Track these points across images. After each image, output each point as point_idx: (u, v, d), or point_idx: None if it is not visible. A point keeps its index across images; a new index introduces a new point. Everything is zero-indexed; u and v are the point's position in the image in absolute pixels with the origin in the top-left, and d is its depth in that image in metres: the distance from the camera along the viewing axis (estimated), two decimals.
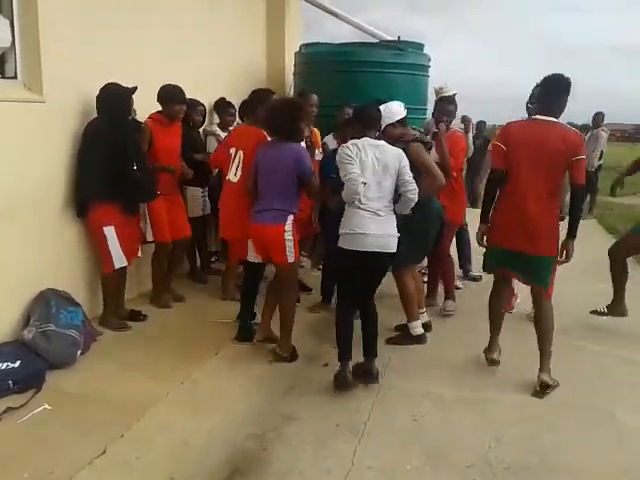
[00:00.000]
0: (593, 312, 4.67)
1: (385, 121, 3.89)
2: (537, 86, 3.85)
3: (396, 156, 3.55)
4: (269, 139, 3.99)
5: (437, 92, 5.85)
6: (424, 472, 2.82)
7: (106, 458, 2.82)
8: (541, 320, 3.64)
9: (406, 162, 3.57)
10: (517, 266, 3.62)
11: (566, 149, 3.35)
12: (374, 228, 3.47)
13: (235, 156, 4.17)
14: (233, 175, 4.18)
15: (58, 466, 2.74)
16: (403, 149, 3.72)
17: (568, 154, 3.35)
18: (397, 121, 4.00)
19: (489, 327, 3.87)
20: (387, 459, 2.90)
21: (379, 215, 3.49)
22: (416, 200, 3.54)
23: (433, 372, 3.84)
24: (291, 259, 3.80)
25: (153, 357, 3.95)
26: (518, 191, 3.48)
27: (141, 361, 3.89)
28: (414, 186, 3.53)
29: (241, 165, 4.14)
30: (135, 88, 4.22)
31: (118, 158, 4.12)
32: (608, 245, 4.62)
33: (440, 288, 5.22)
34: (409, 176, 3.53)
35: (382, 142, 3.60)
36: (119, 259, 4.29)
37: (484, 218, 3.71)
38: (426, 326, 4.43)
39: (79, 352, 3.79)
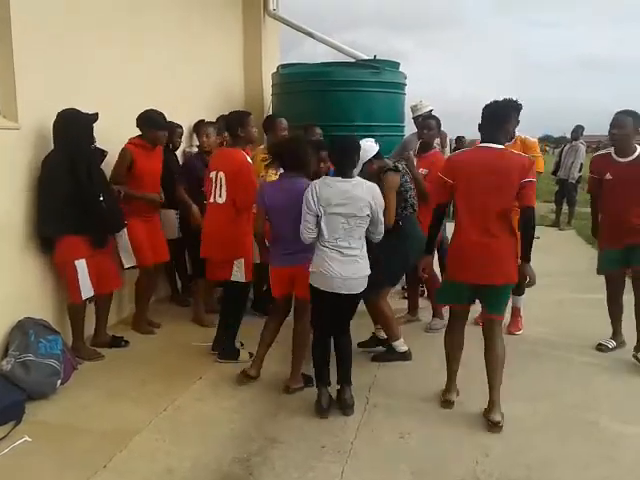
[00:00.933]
0: (600, 348, 4.48)
1: (363, 160, 3.89)
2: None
3: (369, 191, 3.45)
4: (250, 163, 4.12)
5: (413, 110, 5.96)
6: None
7: None
8: (494, 349, 3.41)
9: (378, 199, 3.46)
10: (474, 296, 3.50)
11: (515, 174, 3.25)
12: (339, 269, 3.40)
13: (216, 178, 4.17)
14: (218, 197, 4.17)
15: None
16: (379, 181, 3.80)
17: (517, 178, 3.25)
18: (373, 157, 4.05)
19: (446, 365, 3.69)
20: (375, 478, 2.88)
21: (345, 255, 3.41)
22: (377, 240, 3.54)
23: (419, 389, 3.83)
24: None
25: (135, 384, 3.90)
26: (468, 222, 3.37)
27: (123, 389, 3.83)
28: (381, 230, 3.51)
29: (225, 187, 4.13)
30: (96, 114, 4.11)
31: (82, 190, 4.01)
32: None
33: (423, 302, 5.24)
34: (380, 216, 3.47)
35: (355, 179, 3.49)
36: (87, 290, 4.20)
37: (430, 250, 3.67)
38: (405, 355, 4.33)
39: (59, 382, 3.72)
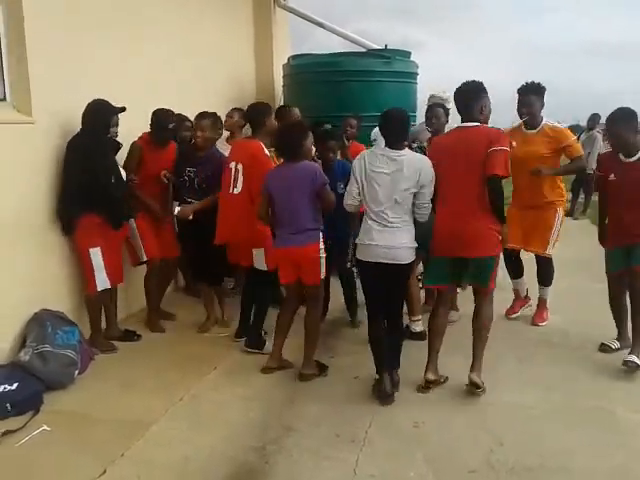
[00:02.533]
0: (604, 348, 4.27)
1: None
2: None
3: (418, 164, 3.46)
4: (267, 155, 4.14)
5: (430, 98, 5.90)
6: (427, 479, 2.80)
7: (106, 478, 2.80)
8: (480, 317, 3.63)
9: (425, 174, 3.45)
10: (459, 272, 3.64)
11: (485, 145, 3.36)
12: (380, 238, 3.46)
13: (235, 170, 4.22)
14: (235, 188, 4.23)
15: None
16: None
17: (483, 150, 3.36)
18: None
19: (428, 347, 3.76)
20: (389, 467, 2.89)
21: (387, 225, 3.46)
22: (423, 220, 3.54)
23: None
24: (322, 276, 3.80)
25: (152, 374, 3.94)
26: (445, 198, 3.51)
27: (140, 379, 3.87)
28: (426, 207, 3.50)
29: (241, 178, 4.19)
30: (123, 108, 4.20)
31: (96, 176, 4.07)
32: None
33: None
34: (426, 191, 3.46)
35: (403, 151, 3.50)
36: (102, 281, 4.24)
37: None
38: (420, 335, 4.36)
39: (76, 372, 3.77)
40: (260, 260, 4.26)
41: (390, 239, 3.45)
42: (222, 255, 4.42)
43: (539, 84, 4.54)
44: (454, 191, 3.49)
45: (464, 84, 3.61)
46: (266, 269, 4.24)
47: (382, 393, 3.53)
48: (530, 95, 4.49)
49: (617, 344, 4.24)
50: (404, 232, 3.48)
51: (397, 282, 3.64)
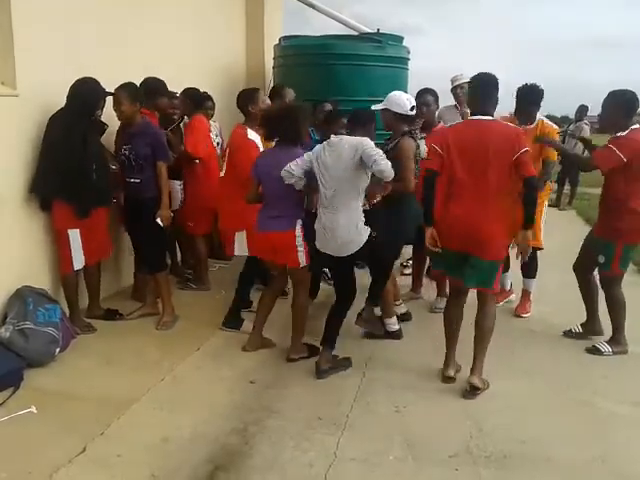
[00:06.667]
0: (567, 334, 4.38)
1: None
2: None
3: (352, 146, 3.48)
4: (250, 137, 4.18)
5: (452, 81, 5.87)
6: (407, 462, 2.83)
7: (86, 456, 2.79)
8: (483, 318, 3.50)
9: (365, 146, 3.45)
10: (463, 269, 3.49)
11: (513, 147, 3.27)
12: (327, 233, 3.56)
13: (225, 154, 4.47)
14: (221, 171, 4.51)
15: (36, 465, 2.70)
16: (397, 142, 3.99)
17: (512, 151, 3.27)
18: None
19: (445, 341, 3.71)
20: (370, 450, 2.91)
21: (333, 213, 3.53)
22: (387, 171, 3.40)
23: (416, 365, 3.84)
24: (303, 262, 3.76)
25: (134, 354, 3.92)
26: (460, 194, 3.42)
27: (121, 358, 3.85)
28: (382, 159, 3.40)
29: (226, 161, 4.41)
30: (111, 93, 4.13)
31: (74, 158, 3.97)
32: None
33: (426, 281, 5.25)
34: (374, 151, 3.41)
35: (341, 137, 3.60)
36: (79, 261, 4.17)
37: (429, 221, 3.55)
38: (406, 315, 4.46)
39: (57, 350, 3.73)
40: (241, 245, 4.27)
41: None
42: (163, 241, 4.43)
43: (538, 92, 4.41)
44: (471, 188, 3.37)
45: (484, 74, 3.45)
46: (247, 254, 4.26)
47: (316, 367, 3.64)
48: (533, 106, 4.42)
49: (578, 328, 4.32)
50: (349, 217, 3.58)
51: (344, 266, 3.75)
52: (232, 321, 4.33)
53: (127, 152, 4.22)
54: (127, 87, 4.17)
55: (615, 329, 4.12)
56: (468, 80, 5.68)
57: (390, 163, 3.41)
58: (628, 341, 4.12)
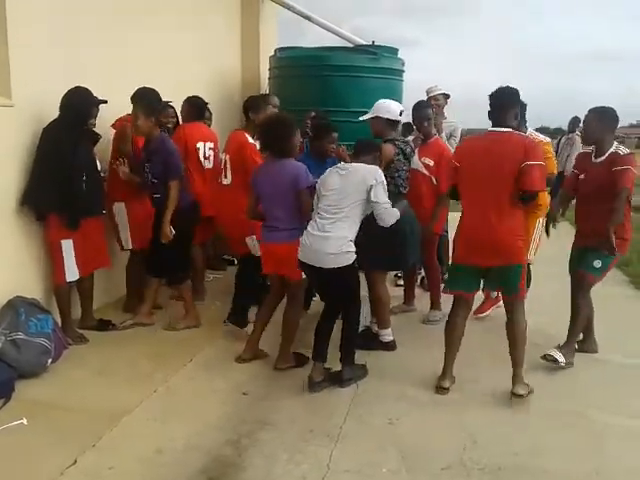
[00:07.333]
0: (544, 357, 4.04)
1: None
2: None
3: (364, 174, 3.55)
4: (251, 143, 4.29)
5: (427, 92, 5.96)
6: (400, 475, 2.81)
7: (77, 469, 2.76)
8: (514, 326, 3.54)
9: (378, 182, 3.51)
10: (486, 280, 3.61)
11: (520, 157, 3.30)
12: (312, 242, 3.51)
13: (224, 161, 4.50)
14: (224, 178, 4.50)
15: (27, 478, 2.68)
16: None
17: (512, 161, 3.30)
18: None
19: (444, 352, 3.70)
20: (363, 462, 2.89)
21: (322, 231, 3.50)
22: (385, 221, 3.55)
23: (409, 376, 3.82)
24: (304, 275, 3.76)
25: (126, 364, 3.90)
26: (470, 206, 3.49)
27: (114, 369, 3.83)
28: (381, 208, 3.52)
29: (229, 168, 4.42)
30: (105, 101, 4.13)
31: (64, 167, 3.97)
32: None
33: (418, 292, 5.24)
34: (376, 198, 3.50)
35: (353, 164, 3.65)
36: (72, 273, 4.16)
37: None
38: (389, 345, 4.29)
39: (49, 360, 3.71)
40: (256, 247, 4.28)
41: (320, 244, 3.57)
42: (177, 252, 4.38)
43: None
44: (480, 198, 3.43)
45: (502, 88, 3.51)
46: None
47: (308, 381, 3.61)
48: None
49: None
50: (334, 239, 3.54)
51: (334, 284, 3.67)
52: (239, 318, 4.38)
53: (147, 170, 4.32)
54: (142, 101, 4.14)
55: (571, 335, 4.08)
56: (442, 92, 5.88)
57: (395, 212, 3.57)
58: (622, 354, 4.12)
